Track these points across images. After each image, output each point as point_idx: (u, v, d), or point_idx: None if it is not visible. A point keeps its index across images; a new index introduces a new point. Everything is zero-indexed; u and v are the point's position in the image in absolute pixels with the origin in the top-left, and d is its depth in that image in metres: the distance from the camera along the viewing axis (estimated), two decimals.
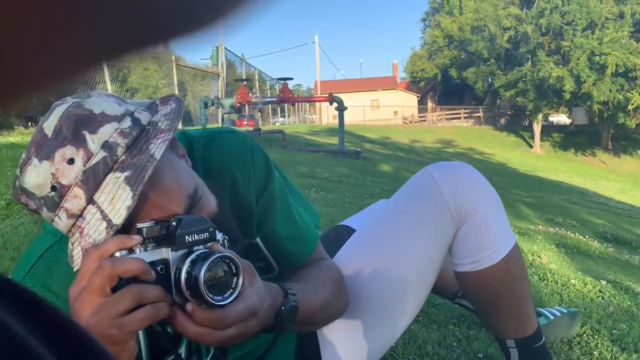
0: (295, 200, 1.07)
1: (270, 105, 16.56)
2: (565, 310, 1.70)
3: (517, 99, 29.17)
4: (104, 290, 0.64)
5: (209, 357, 0.96)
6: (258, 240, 1.01)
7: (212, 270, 0.67)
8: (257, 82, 16.74)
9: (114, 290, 0.64)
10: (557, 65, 26.41)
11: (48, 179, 0.70)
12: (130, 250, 0.67)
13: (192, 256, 0.68)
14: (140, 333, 0.94)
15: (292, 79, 8.48)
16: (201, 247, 0.70)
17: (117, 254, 0.66)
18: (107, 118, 0.72)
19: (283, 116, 21.84)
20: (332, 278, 1.04)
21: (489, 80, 31.98)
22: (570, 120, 34.01)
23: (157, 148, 0.72)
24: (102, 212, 0.70)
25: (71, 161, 0.70)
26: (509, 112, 35.88)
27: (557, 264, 2.79)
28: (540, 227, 4.37)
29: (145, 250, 0.68)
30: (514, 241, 1.13)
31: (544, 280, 2.39)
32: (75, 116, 0.71)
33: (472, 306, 1.48)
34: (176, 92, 11.00)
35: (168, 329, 0.94)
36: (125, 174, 0.70)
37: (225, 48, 12.68)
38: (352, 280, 1.12)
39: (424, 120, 36.67)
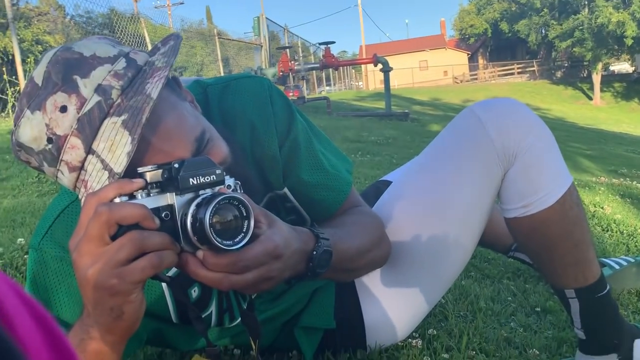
0: (323, 146, 0.99)
1: (315, 73, 16.40)
2: (632, 260, 1.57)
3: (574, 49, 27.77)
4: (102, 238, 0.59)
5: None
6: (286, 190, 0.94)
7: (219, 214, 0.61)
8: (300, 49, 16.57)
9: (113, 238, 0.59)
10: (617, 9, 24.80)
11: (43, 131, 0.66)
12: (132, 196, 0.62)
13: (198, 199, 0.62)
14: (167, 293, 0.90)
15: (334, 42, 8.28)
16: (209, 190, 0.64)
17: (117, 200, 0.61)
18: (99, 60, 0.67)
19: (329, 84, 21.59)
20: (370, 224, 0.97)
21: (543, 31, 30.50)
22: (634, 67, 32.08)
23: (154, 87, 0.66)
24: (102, 161, 0.65)
25: (64, 109, 0.65)
26: (566, 64, 34.28)
27: (623, 215, 2.60)
28: (603, 178, 4.12)
29: (149, 195, 0.62)
30: (570, 182, 1.02)
31: (607, 231, 2.23)
32: (64, 60, 0.67)
33: (527, 257, 1.37)
34: (221, 67, 11.01)
35: (188, 295, 0.90)
36: (122, 117, 0.64)
37: (267, 18, 12.57)
38: (392, 232, 1.05)
39: (476, 79, 35.51)
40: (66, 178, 0.69)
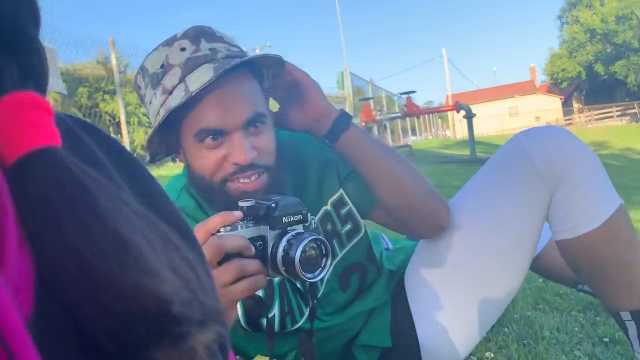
0: None
1: (400, 124, 16.49)
2: None
3: None
4: (211, 263, 0.70)
5: (304, 319, 1.01)
6: (342, 191, 1.08)
7: (305, 251, 0.72)
8: (384, 101, 16.83)
9: (219, 263, 0.70)
10: None
11: (162, 58, 0.89)
12: (233, 226, 0.73)
13: (289, 236, 0.74)
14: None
15: (415, 91, 8.41)
16: (295, 227, 0.76)
17: (222, 230, 0.72)
18: (223, 40, 0.91)
19: (414, 134, 21.61)
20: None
21: None
22: None
23: (246, 57, 0.87)
24: (186, 87, 0.84)
25: (183, 49, 0.88)
26: None
27: None
28: None
29: (247, 227, 0.74)
30: (619, 203, 1.03)
31: None
32: (201, 28, 0.91)
33: (581, 278, 1.36)
34: None
35: (260, 294, 1.01)
36: (216, 64, 0.84)
37: (351, 73, 12.97)
38: (444, 256, 1.11)
39: (571, 123, 34.01)
40: (157, 101, 0.89)
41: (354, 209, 1.09)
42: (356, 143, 1.02)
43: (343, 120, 1.02)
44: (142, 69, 0.93)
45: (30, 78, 0.26)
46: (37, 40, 0.27)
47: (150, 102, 0.91)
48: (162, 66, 0.88)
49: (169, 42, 0.90)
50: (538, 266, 1.44)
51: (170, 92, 0.87)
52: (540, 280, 1.82)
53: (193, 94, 0.82)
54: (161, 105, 0.88)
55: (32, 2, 0.27)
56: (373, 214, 1.11)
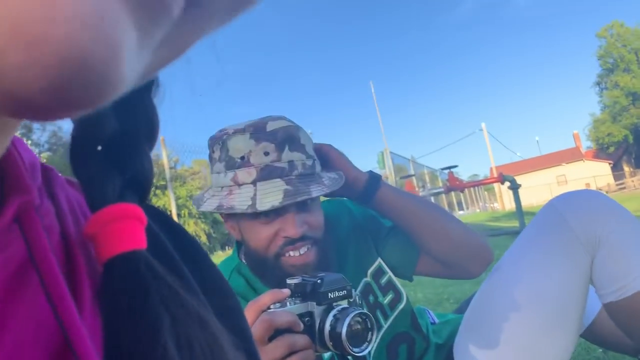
0: None
1: (446, 199, 16.39)
2: None
3: None
4: (262, 339, 0.73)
5: None
6: (380, 260, 1.12)
7: (351, 326, 0.75)
8: (427, 177, 16.83)
9: (269, 339, 0.73)
10: None
11: (244, 151, 0.94)
12: (282, 303, 0.76)
13: (334, 311, 0.77)
14: None
15: (456, 166, 8.40)
16: (340, 302, 0.79)
17: (272, 307, 0.76)
18: (305, 150, 0.97)
19: (461, 209, 21.31)
20: None
21: None
22: None
23: (315, 191, 0.93)
24: (255, 194, 0.91)
25: (266, 154, 0.93)
26: None
27: None
28: None
29: (295, 303, 0.77)
30: None
31: None
32: (291, 133, 0.96)
33: (635, 343, 1.30)
34: None
35: None
36: (287, 187, 0.91)
37: (391, 152, 13.14)
38: (490, 328, 1.10)
39: (624, 187, 32.89)
40: (224, 179, 0.96)
41: (393, 277, 1.12)
42: (390, 199, 1.08)
43: (373, 181, 1.08)
44: (223, 143, 0.97)
45: (131, 189, 0.28)
46: (146, 155, 0.29)
47: (218, 173, 0.98)
48: (242, 157, 0.94)
49: (257, 137, 0.94)
50: (594, 336, 1.40)
51: (239, 186, 0.94)
52: (600, 350, 1.74)
53: (258, 211, 0.90)
54: (227, 186, 0.96)
55: (152, 121, 0.29)
56: (420, 266, 1.14)
